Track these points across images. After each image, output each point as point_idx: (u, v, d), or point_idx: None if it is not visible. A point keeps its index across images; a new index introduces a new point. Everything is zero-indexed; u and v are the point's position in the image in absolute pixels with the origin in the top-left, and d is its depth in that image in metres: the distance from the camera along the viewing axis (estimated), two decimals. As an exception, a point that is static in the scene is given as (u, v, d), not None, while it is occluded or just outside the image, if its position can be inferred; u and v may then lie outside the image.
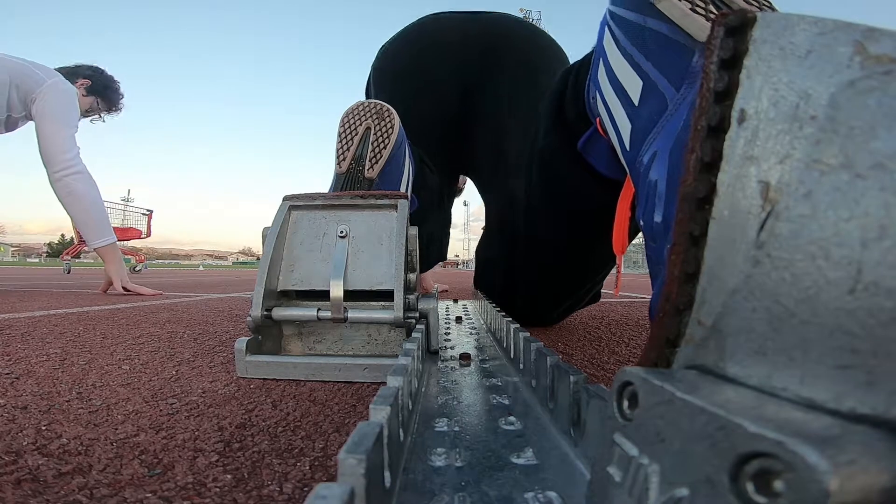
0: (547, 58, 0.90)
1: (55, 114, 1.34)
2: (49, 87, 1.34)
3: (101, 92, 1.58)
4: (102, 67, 1.61)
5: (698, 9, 0.27)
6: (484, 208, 0.94)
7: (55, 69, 1.45)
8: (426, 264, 1.07)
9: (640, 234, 0.36)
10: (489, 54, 0.87)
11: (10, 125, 1.39)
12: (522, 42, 0.89)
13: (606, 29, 0.36)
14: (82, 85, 1.53)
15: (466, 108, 0.90)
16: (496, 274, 0.78)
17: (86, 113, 1.56)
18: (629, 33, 0.32)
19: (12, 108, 1.33)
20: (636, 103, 0.31)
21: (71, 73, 1.50)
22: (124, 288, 1.41)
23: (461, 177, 1.28)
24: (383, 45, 0.97)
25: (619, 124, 0.33)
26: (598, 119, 0.40)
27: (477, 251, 0.89)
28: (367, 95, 0.99)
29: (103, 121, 1.67)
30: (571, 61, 0.92)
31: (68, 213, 1.39)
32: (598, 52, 0.38)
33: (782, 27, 0.14)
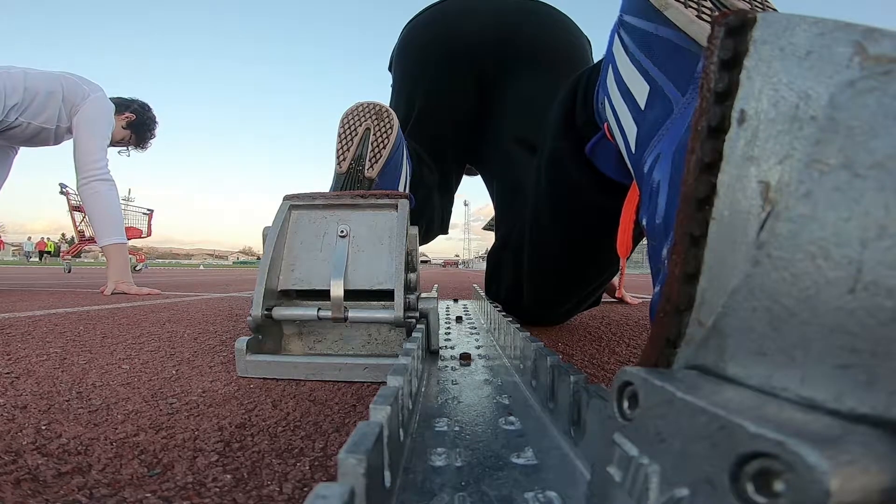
0: (562, 50, 0.90)
1: (92, 125, 1.44)
2: (91, 100, 1.45)
3: (137, 129, 1.68)
4: (151, 106, 1.72)
5: (704, 15, 0.27)
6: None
7: (111, 98, 1.56)
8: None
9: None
10: (507, 46, 0.88)
11: (58, 136, 1.48)
12: (539, 36, 0.89)
13: (616, 36, 0.36)
14: (126, 118, 1.63)
15: (481, 102, 0.91)
16: (504, 273, 0.78)
17: (116, 143, 1.65)
18: (638, 40, 0.32)
19: (61, 118, 1.43)
20: (643, 107, 0.31)
21: (122, 104, 1.62)
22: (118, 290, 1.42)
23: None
24: (407, 24, 0.99)
25: (625, 128, 0.34)
26: (605, 124, 0.40)
27: (488, 257, 0.89)
28: (390, 70, 1.03)
29: (129, 155, 1.77)
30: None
31: (88, 214, 1.48)
32: (607, 59, 0.39)
33: (782, 27, 0.14)
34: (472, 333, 0.61)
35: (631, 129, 0.33)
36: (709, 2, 0.29)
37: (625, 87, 0.34)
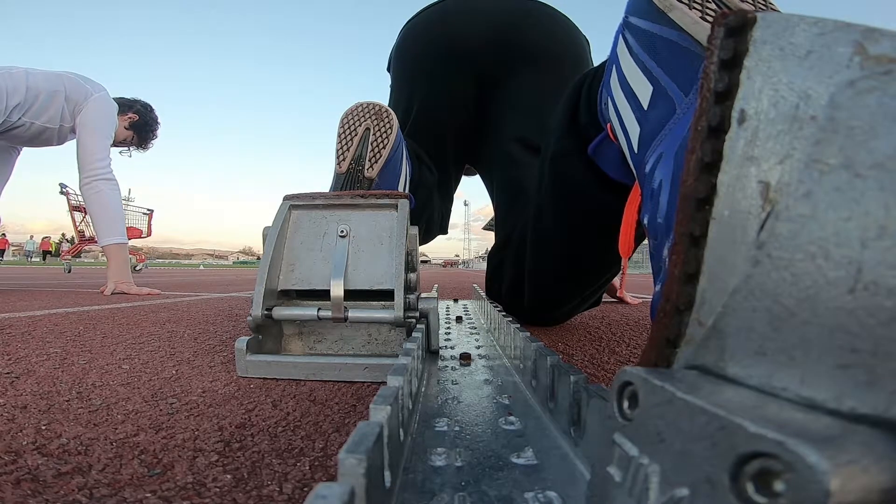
0: (562, 50, 0.91)
1: (95, 124, 1.44)
2: (94, 99, 1.45)
3: (140, 129, 1.68)
4: (153, 107, 1.71)
5: (708, 16, 0.27)
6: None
7: (114, 98, 1.56)
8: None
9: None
10: (507, 46, 0.88)
11: (61, 136, 1.48)
12: (538, 37, 0.90)
13: (621, 37, 0.37)
14: (129, 119, 1.63)
15: (481, 102, 0.92)
16: (505, 273, 0.78)
17: (118, 143, 1.64)
18: (642, 41, 0.32)
19: (64, 118, 1.43)
20: (646, 108, 0.31)
21: (125, 105, 1.62)
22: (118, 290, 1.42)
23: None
24: (406, 23, 1.00)
25: (628, 128, 0.34)
26: (608, 124, 0.41)
27: (489, 256, 0.90)
28: (388, 71, 1.04)
29: (130, 155, 1.76)
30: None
31: (89, 213, 1.47)
32: (611, 60, 0.39)
33: (782, 27, 0.14)
34: (472, 333, 0.61)
35: (634, 129, 0.33)
36: (713, 3, 0.29)
37: (628, 88, 0.34)
